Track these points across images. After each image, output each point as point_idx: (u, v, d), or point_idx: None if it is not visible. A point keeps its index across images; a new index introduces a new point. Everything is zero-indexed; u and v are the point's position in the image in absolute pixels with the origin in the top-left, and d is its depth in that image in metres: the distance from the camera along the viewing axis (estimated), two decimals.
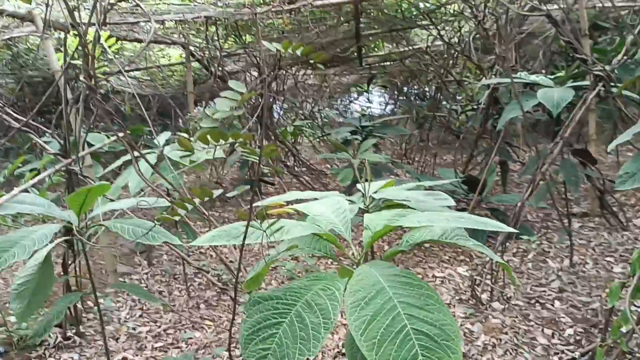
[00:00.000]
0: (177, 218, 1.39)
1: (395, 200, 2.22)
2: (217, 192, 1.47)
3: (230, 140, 1.21)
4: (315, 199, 1.93)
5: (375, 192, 2.39)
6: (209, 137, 1.21)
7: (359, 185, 2.48)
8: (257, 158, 1.17)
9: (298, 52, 1.26)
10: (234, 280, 4.55)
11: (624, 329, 2.27)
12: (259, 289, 1.96)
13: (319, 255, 1.66)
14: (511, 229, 1.51)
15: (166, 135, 4.02)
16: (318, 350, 1.30)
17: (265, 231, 1.36)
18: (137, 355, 3.37)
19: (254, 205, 1.33)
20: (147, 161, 2.19)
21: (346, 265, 1.66)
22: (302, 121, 8.88)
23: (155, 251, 5.37)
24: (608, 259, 3.94)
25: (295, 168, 7.71)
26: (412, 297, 1.38)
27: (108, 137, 4.47)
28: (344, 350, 3.24)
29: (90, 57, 2.05)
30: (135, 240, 2.46)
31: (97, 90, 2.17)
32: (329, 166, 9.22)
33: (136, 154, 2.18)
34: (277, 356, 1.31)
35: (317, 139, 9.66)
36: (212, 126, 1.17)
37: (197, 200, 1.46)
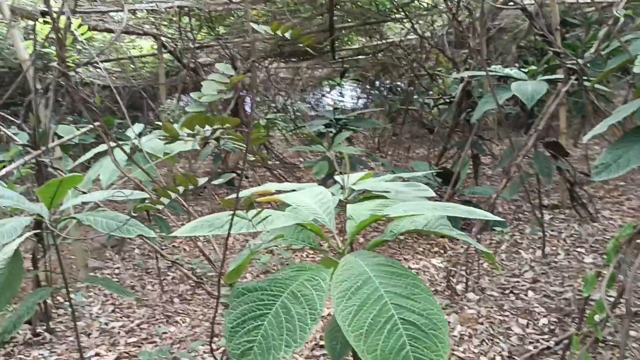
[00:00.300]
0: (160, 207, 1.35)
1: (374, 192, 2.21)
2: (202, 180, 1.43)
3: (216, 126, 1.18)
4: (294, 190, 1.91)
5: (354, 184, 2.38)
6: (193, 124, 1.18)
7: (337, 177, 2.46)
8: (243, 145, 1.14)
9: (287, 35, 1.23)
10: (209, 273, 4.51)
11: (597, 318, 2.31)
12: (231, 284, 1.93)
13: (302, 246, 1.64)
14: (496, 217, 1.51)
15: (139, 127, 3.94)
16: (305, 341, 1.29)
17: (251, 220, 1.33)
18: (110, 351, 3.30)
19: (239, 194, 1.30)
20: (124, 151, 2.13)
21: (330, 256, 1.65)
22: (274, 114, 8.83)
23: (127, 245, 5.28)
24: (579, 249, 4.01)
25: (268, 161, 7.66)
26: (399, 286, 1.37)
27: (78, 130, 4.36)
28: (322, 343, 3.23)
29: (62, 43, 1.98)
30: (109, 233, 2.40)
31: (70, 77, 2.10)
32: (301, 159, 9.19)
33: (112, 144, 2.12)
34: (262, 348, 1.29)
35: (290, 133, 9.62)
36: (198, 110, 1.14)
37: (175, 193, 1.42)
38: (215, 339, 3.37)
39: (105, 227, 2.44)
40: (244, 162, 1.07)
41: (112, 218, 2.48)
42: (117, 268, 4.76)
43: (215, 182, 1.45)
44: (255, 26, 1.17)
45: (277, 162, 7.77)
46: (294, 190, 1.91)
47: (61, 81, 2.01)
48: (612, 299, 2.55)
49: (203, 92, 1.13)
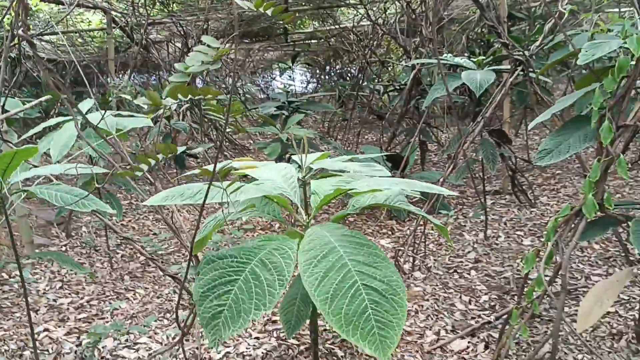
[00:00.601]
0: (139, 174, 1.38)
1: (331, 171, 2.30)
2: (181, 149, 1.47)
3: (200, 96, 1.22)
4: (250, 167, 1.96)
5: (312, 163, 2.45)
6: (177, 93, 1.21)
7: (295, 157, 2.53)
8: (223, 117, 1.18)
9: (268, 12, 1.27)
10: (159, 252, 4.50)
11: (535, 293, 2.48)
12: (196, 255, 1.97)
13: (269, 219, 1.70)
14: (451, 192, 1.63)
15: (89, 102, 3.87)
16: (273, 306, 1.36)
17: (225, 189, 1.38)
18: (59, 326, 3.28)
19: (210, 166, 1.34)
20: (87, 121, 2.10)
21: (295, 229, 1.72)
22: (225, 95, 8.78)
23: (74, 223, 5.18)
24: (518, 232, 4.24)
25: (219, 143, 7.64)
26: (362, 255, 1.46)
27: (23, 104, 4.23)
28: (274, 318, 3.31)
29: (26, 5, 1.94)
30: (64, 206, 2.38)
31: (34, 44, 2.06)
32: (251, 142, 9.19)
33: (71, 116, 2.09)
34: (233, 311, 1.35)
35: (240, 115, 9.58)
36: (181, 81, 1.17)
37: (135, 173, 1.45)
38: (168, 315, 3.40)
39: (60, 200, 2.42)
40: (222, 134, 1.11)
41: (67, 192, 2.46)
42: (64, 246, 4.68)
43: (194, 151, 1.49)
44: (239, 2, 1.21)
45: (228, 144, 7.75)
46: (252, 167, 1.97)
47: (24, 50, 1.97)
48: (548, 278, 2.74)
49: (187, 63, 1.17)
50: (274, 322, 3.29)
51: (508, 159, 4.69)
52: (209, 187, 1.29)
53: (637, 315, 2.77)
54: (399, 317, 1.39)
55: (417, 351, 2.85)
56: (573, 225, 2.41)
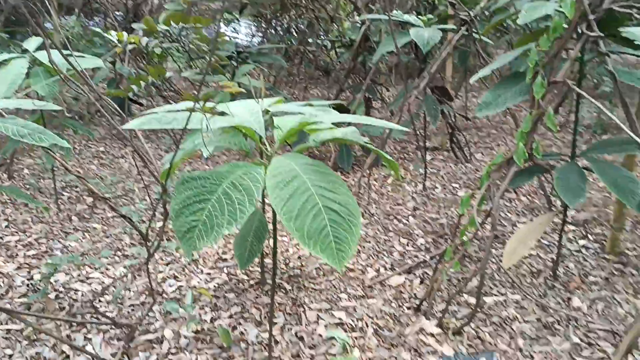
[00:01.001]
0: (130, 94, 1.47)
1: (289, 113, 2.44)
2: (168, 73, 1.56)
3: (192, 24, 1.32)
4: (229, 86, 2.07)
5: (269, 106, 2.58)
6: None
7: (250, 100, 2.65)
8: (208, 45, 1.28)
9: None
10: (106, 194, 4.52)
11: (468, 234, 2.74)
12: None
13: (236, 148, 1.84)
14: (403, 127, 1.80)
15: (37, 40, 3.80)
16: (244, 220, 1.51)
17: (205, 113, 1.50)
18: (8, 262, 3.31)
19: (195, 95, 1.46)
20: (58, 50, 2.10)
21: (260, 160, 1.86)
22: (170, 44, 8.62)
23: (15, 165, 5.09)
24: (454, 185, 4.54)
25: (164, 92, 7.55)
26: (323, 182, 1.63)
27: None
28: (224, 256, 3.47)
29: None
30: (19, 139, 2.41)
31: None
32: (195, 92, 9.11)
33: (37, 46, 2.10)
34: (207, 225, 1.50)
35: (185, 64, 9.45)
36: (177, 9, 1.25)
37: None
38: (119, 252, 3.49)
39: (16, 133, 2.45)
40: (208, 66, 1.20)
41: (23, 126, 2.49)
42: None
43: (185, 74, 1.58)
44: None
45: (173, 93, 7.67)
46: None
47: None
48: (480, 220, 3.01)
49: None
50: (224, 260, 3.45)
51: (448, 116, 4.95)
52: (190, 114, 1.40)
53: (554, 257, 3.10)
54: (354, 234, 1.57)
55: (358, 285, 3.09)
56: (504, 173, 2.67)
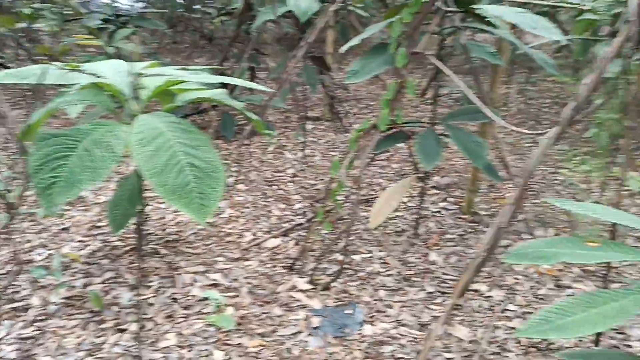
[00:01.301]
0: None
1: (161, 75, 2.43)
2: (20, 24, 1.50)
3: None
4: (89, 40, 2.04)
5: (143, 69, 2.56)
6: None
7: (124, 63, 2.60)
8: None
9: None
10: None
11: (338, 197, 2.91)
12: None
13: (101, 108, 1.82)
14: (261, 86, 1.88)
15: None
16: (106, 176, 1.53)
17: (62, 69, 1.48)
18: None
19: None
20: None
21: (125, 119, 1.86)
22: (41, 4, 8.04)
23: None
24: (332, 153, 4.73)
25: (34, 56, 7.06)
26: (188, 139, 1.68)
27: None
28: (98, 224, 3.40)
29: None
30: None
31: None
32: (71, 57, 8.60)
33: None
34: (68, 181, 1.50)
35: (59, 26, 8.86)
36: None
37: None
38: None
39: None
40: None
41: None
42: None
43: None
44: None
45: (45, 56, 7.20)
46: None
47: None
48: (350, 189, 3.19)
49: None
50: (98, 227, 3.38)
51: (328, 87, 5.11)
52: (48, 66, 1.38)
53: (416, 217, 3.36)
54: (217, 190, 1.64)
55: (235, 248, 3.17)
56: (371, 139, 2.84)
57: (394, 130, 2.99)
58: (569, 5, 3.73)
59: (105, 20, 5.92)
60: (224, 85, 5.35)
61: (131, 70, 2.58)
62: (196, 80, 1.87)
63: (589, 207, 1.89)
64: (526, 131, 2.05)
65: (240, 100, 5.36)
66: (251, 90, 6.29)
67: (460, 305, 2.64)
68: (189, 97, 1.90)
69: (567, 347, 2.36)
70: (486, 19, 2.77)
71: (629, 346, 2.36)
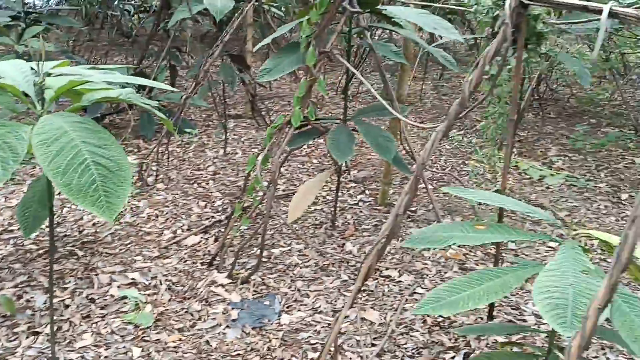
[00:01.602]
0: None
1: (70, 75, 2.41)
2: None
3: None
4: None
5: (51, 69, 2.52)
6: None
7: (31, 64, 2.56)
8: None
9: None
10: None
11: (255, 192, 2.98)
12: None
13: (4, 110, 1.81)
14: (158, 84, 1.92)
15: None
16: (8, 178, 1.53)
17: None
18: None
19: None
20: None
21: (29, 119, 1.85)
22: None
23: None
24: (254, 150, 4.78)
25: None
26: (93, 138, 1.70)
27: None
28: (10, 228, 3.31)
29: None
30: None
31: None
32: None
33: None
34: None
35: None
36: None
37: None
38: None
39: None
40: None
41: None
42: None
43: None
44: None
45: None
46: None
47: None
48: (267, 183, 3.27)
49: None
50: (11, 231, 3.29)
51: (248, 85, 5.16)
52: None
53: (333, 210, 3.49)
54: (124, 188, 1.67)
55: (154, 247, 3.18)
56: (284, 135, 2.93)
57: (308, 126, 3.09)
58: (460, 8, 3.97)
59: (14, 18, 5.70)
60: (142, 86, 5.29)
61: (38, 70, 2.54)
62: (104, 80, 1.88)
63: (476, 193, 2.07)
64: (423, 125, 2.20)
65: (159, 99, 5.32)
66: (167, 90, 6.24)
67: (371, 291, 2.78)
68: (95, 97, 1.92)
69: (468, 324, 2.55)
70: (392, 19, 2.92)
71: (524, 320, 2.57)
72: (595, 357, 2.31)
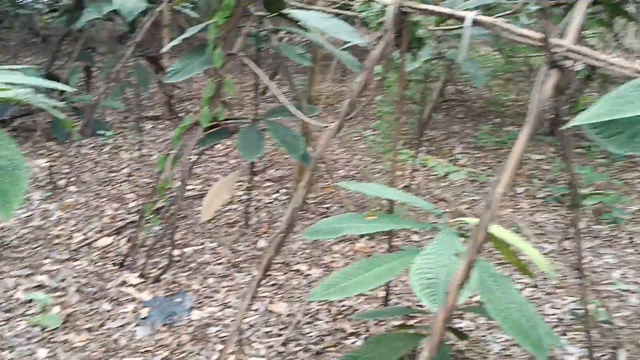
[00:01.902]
0: None
1: None
2: None
3: None
4: None
5: None
6: None
7: None
8: None
9: None
10: None
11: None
12: None
13: None
14: (51, 84, 1.95)
15: None
16: None
17: None
18: None
19: None
20: None
21: None
22: None
23: None
24: (172, 151, 4.76)
25: None
26: None
27: None
28: None
29: None
30: None
31: None
32: None
33: None
34: None
35: None
36: None
37: None
38: None
39: None
40: None
41: None
42: None
43: None
44: None
45: None
46: None
47: None
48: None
49: None
50: None
51: (166, 86, 5.14)
52: None
53: (246, 208, 3.56)
54: (19, 187, 1.68)
55: (64, 250, 3.15)
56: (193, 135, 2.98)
57: (218, 127, 3.15)
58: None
59: None
60: (51, 80, 5.14)
61: None
62: (4, 80, 1.87)
63: (369, 187, 2.21)
64: (321, 124, 2.33)
65: (73, 100, 5.20)
66: (88, 90, 6.11)
67: (281, 285, 2.88)
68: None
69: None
70: (298, 23, 3.03)
71: (420, 306, 2.75)
72: (483, 336, 2.52)
